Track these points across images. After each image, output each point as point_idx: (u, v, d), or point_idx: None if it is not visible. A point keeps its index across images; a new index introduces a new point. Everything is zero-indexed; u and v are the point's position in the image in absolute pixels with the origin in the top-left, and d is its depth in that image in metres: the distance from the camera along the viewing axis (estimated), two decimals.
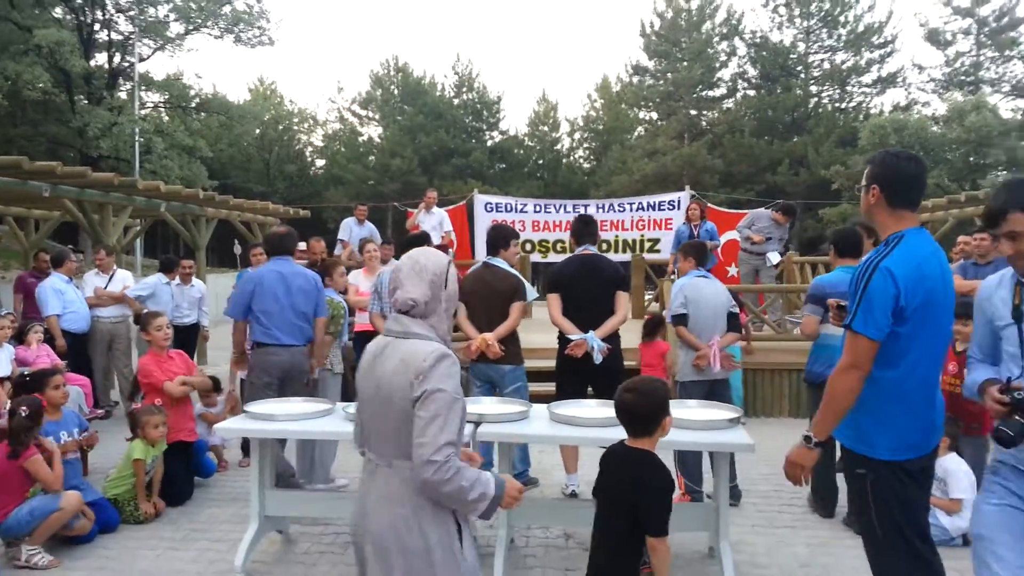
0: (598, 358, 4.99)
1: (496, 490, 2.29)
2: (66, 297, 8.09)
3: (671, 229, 13.14)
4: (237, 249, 19.83)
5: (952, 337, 4.44)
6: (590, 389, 5.17)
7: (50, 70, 23.90)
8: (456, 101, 42.95)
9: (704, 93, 37.73)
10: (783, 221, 9.80)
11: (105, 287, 8.50)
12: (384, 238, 10.19)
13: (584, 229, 5.37)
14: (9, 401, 5.83)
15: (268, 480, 4.51)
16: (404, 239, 6.89)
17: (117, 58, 28.99)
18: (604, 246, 13.40)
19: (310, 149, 47.47)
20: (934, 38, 34.07)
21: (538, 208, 14.39)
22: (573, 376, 5.18)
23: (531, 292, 5.60)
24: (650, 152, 35.63)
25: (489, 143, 42.83)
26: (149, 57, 29.46)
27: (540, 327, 10.84)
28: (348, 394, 6.19)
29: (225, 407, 6.47)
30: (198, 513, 5.29)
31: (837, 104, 36.74)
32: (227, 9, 28.83)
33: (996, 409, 2.42)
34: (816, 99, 36.77)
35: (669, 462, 3.87)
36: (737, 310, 5.55)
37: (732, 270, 12.26)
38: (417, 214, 11.47)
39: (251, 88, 48.26)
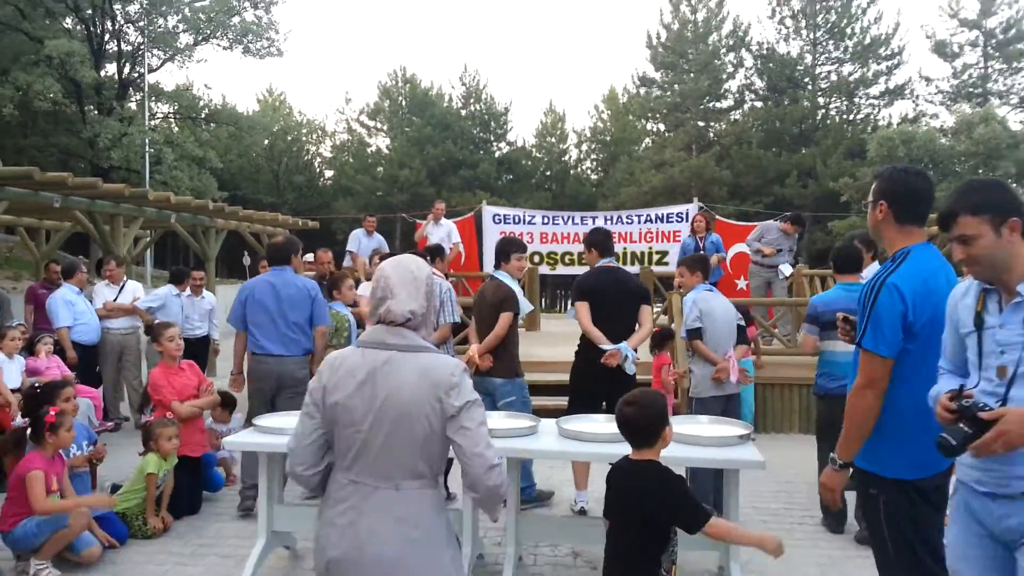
0: (631, 368, 5.07)
1: None
2: (76, 308, 8.11)
3: (679, 241, 13.11)
4: (246, 260, 19.90)
5: None
6: (604, 403, 5.16)
7: (61, 81, 24.09)
8: (464, 112, 43.07)
9: (711, 104, 37.71)
10: (792, 231, 9.78)
11: (115, 299, 8.53)
12: (393, 250, 10.21)
13: (607, 241, 5.52)
14: (20, 412, 5.88)
15: (276, 495, 4.50)
16: (420, 253, 6.88)
17: (127, 68, 29.19)
18: (606, 259, 13.37)
19: (319, 160, 47.69)
20: (941, 50, 34.04)
21: (546, 220, 14.40)
22: (590, 388, 5.19)
23: (524, 305, 5.59)
24: (658, 163, 35.62)
25: (497, 154, 42.88)
26: (159, 68, 29.69)
27: (547, 340, 10.86)
28: None
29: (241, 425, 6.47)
30: (206, 528, 5.29)
31: (845, 116, 36.67)
32: (236, 20, 29.02)
33: (943, 416, 2.29)
34: (824, 111, 36.70)
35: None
36: (744, 323, 5.55)
37: (741, 283, 12.23)
38: (425, 226, 11.49)
39: (260, 99, 48.55)
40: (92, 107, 26.69)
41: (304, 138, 47.37)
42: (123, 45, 28.88)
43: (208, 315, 9.01)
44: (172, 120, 31.32)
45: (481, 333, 5.50)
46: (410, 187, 38.00)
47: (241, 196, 34.94)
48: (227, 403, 6.57)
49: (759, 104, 37.67)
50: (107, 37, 28.34)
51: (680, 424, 4.09)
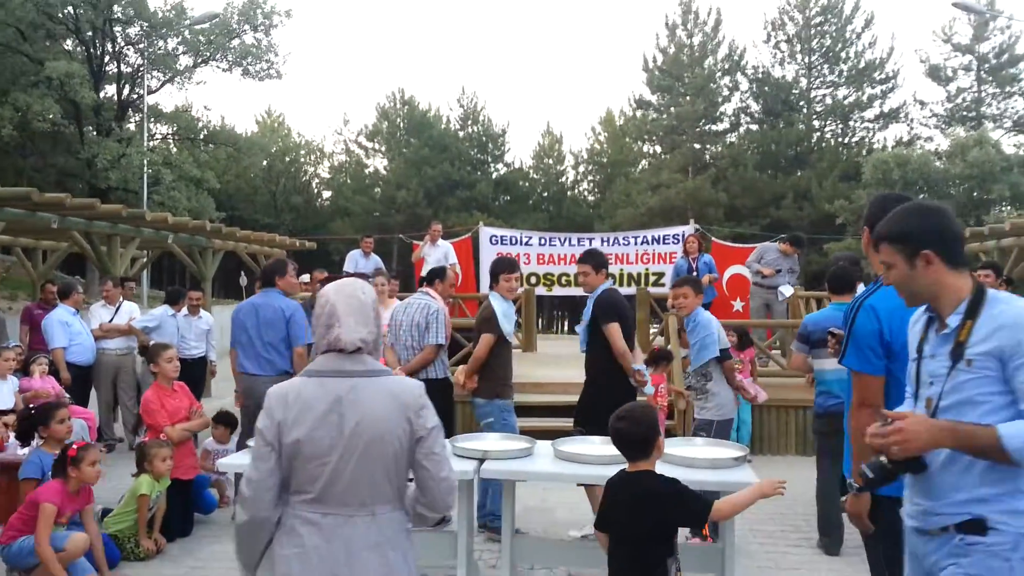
0: (651, 389, 5.29)
1: None
2: (72, 329, 8.09)
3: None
4: (243, 281, 19.88)
5: None
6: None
7: (60, 102, 24.17)
8: (461, 134, 43.25)
9: (707, 127, 37.93)
10: (791, 252, 9.81)
11: (111, 319, 8.51)
12: (390, 270, 10.22)
13: (606, 263, 5.58)
14: (13, 434, 5.85)
15: None
16: (426, 275, 6.80)
17: (126, 90, 29.31)
18: (609, 280, 13.41)
19: (316, 181, 47.79)
20: (935, 74, 34.35)
21: (543, 241, 14.43)
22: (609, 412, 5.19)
23: (505, 325, 5.47)
24: (654, 185, 35.77)
25: (494, 175, 43.01)
26: (158, 89, 29.79)
27: (544, 361, 10.84)
28: None
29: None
30: (199, 550, 5.25)
31: (840, 139, 36.93)
32: (236, 43, 29.17)
33: (872, 445, 2.21)
34: (819, 134, 36.96)
35: None
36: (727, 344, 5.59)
37: (737, 304, 12.25)
38: (422, 247, 11.52)
39: (259, 120, 48.71)
40: (91, 128, 26.77)
41: (302, 159, 47.48)
42: (123, 67, 29.03)
43: (205, 335, 8.95)
44: (171, 141, 31.41)
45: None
46: (407, 208, 38.09)
47: (238, 217, 35.00)
48: (228, 423, 6.55)
49: (755, 127, 37.92)
50: (107, 59, 28.49)
51: (676, 447, 4.09)
